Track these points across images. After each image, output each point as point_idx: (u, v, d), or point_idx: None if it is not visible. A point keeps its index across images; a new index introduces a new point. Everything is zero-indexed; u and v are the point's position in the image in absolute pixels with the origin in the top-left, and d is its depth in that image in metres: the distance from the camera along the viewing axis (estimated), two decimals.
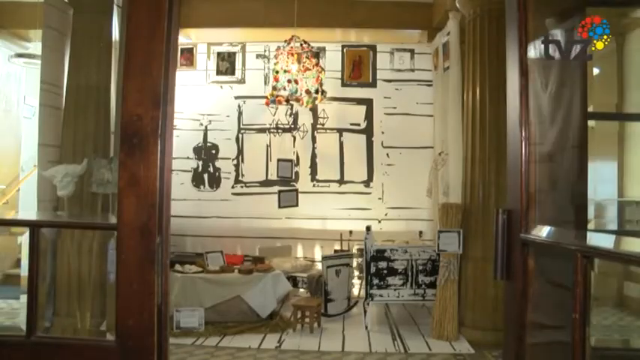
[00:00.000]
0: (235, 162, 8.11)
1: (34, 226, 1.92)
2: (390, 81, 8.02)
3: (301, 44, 6.75)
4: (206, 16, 7.48)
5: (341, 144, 8.03)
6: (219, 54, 8.17)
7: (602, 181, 6.68)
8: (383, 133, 7.97)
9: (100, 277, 5.00)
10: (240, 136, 8.12)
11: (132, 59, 1.72)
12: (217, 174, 8.11)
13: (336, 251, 7.23)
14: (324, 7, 7.39)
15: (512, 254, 1.83)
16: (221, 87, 8.17)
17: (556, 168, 2.23)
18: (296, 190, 7.69)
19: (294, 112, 8.00)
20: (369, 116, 8.01)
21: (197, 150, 8.13)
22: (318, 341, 5.50)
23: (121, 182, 1.69)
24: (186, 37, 8.05)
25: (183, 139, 7.86)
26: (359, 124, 8.02)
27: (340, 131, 8.03)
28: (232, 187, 8.09)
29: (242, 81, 8.14)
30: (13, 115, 8.07)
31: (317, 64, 6.88)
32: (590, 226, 5.57)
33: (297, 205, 7.60)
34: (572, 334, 1.50)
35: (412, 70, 8.01)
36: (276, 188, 7.69)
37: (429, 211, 7.61)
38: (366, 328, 5.92)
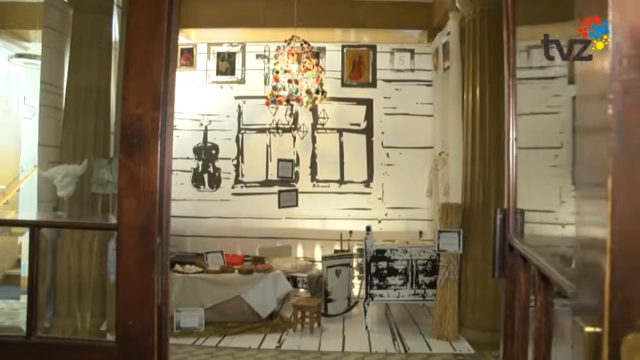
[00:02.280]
0: (235, 162, 8.11)
1: (34, 227, 1.92)
2: (390, 81, 8.02)
3: (301, 44, 6.75)
4: (206, 16, 7.48)
5: (341, 144, 8.03)
6: (219, 54, 8.17)
7: None
8: (383, 133, 7.97)
9: (100, 277, 5.00)
10: (240, 136, 8.12)
11: (132, 59, 1.72)
12: (217, 174, 8.11)
13: (336, 251, 7.23)
14: (324, 7, 7.39)
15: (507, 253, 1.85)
16: (221, 87, 8.17)
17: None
18: (296, 191, 7.69)
19: (294, 112, 8.00)
20: (369, 116, 8.01)
21: (197, 150, 8.13)
22: (318, 341, 5.50)
23: (120, 182, 1.69)
24: (186, 37, 8.05)
25: (183, 140, 7.86)
26: (359, 124, 8.02)
27: (340, 131, 8.03)
28: (232, 188, 8.09)
29: (242, 81, 8.14)
30: (13, 115, 8.07)
31: (317, 64, 6.88)
32: None
33: (297, 205, 7.60)
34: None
35: (412, 70, 8.01)
36: (276, 188, 7.69)
37: (429, 211, 7.61)
38: (366, 328, 5.92)
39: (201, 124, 8.13)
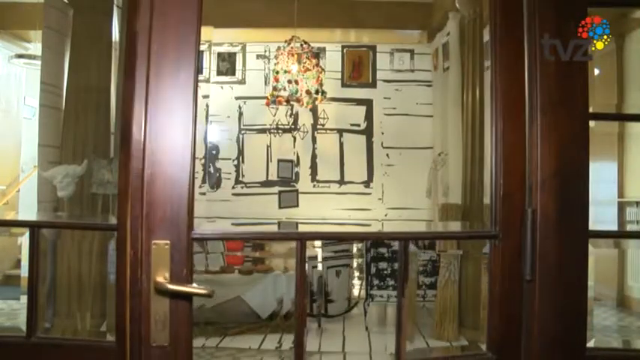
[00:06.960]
0: (236, 162, 8.10)
1: (34, 227, 1.91)
2: (389, 81, 8.02)
3: (301, 44, 6.75)
4: (206, 16, 7.43)
5: (341, 144, 8.03)
6: (219, 54, 8.16)
7: (602, 181, 6.68)
8: (383, 133, 7.97)
9: (100, 277, 4.99)
10: (240, 136, 8.12)
11: (131, 59, 1.71)
12: (218, 174, 8.10)
13: (336, 252, 7.22)
14: (324, 7, 7.38)
15: None
16: (221, 87, 8.16)
17: None
18: (296, 191, 7.69)
19: (294, 112, 7.99)
20: (369, 117, 8.01)
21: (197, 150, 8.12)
22: (318, 342, 5.50)
23: (120, 183, 1.68)
24: None
25: None
26: (359, 125, 8.02)
27: (340, 132, 8.03)
28: (233, 188, 8.08)
29: (242, 81, 8.14)
30: (13, 115, 8.07)
31: (317, 65, 6.87)
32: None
33: (297, 205, 7.61)
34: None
35: (412, 71, 8.00)
36: (276, 189, 7.69)
37: (429, 212, 7.60)
38: (367, 328, 5.92)
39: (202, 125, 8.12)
